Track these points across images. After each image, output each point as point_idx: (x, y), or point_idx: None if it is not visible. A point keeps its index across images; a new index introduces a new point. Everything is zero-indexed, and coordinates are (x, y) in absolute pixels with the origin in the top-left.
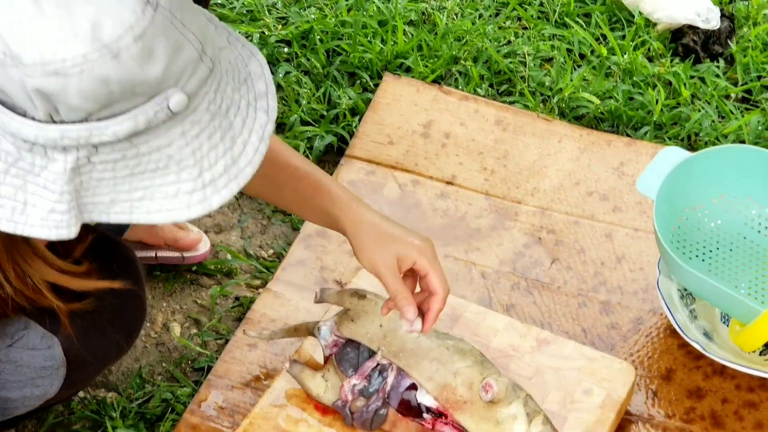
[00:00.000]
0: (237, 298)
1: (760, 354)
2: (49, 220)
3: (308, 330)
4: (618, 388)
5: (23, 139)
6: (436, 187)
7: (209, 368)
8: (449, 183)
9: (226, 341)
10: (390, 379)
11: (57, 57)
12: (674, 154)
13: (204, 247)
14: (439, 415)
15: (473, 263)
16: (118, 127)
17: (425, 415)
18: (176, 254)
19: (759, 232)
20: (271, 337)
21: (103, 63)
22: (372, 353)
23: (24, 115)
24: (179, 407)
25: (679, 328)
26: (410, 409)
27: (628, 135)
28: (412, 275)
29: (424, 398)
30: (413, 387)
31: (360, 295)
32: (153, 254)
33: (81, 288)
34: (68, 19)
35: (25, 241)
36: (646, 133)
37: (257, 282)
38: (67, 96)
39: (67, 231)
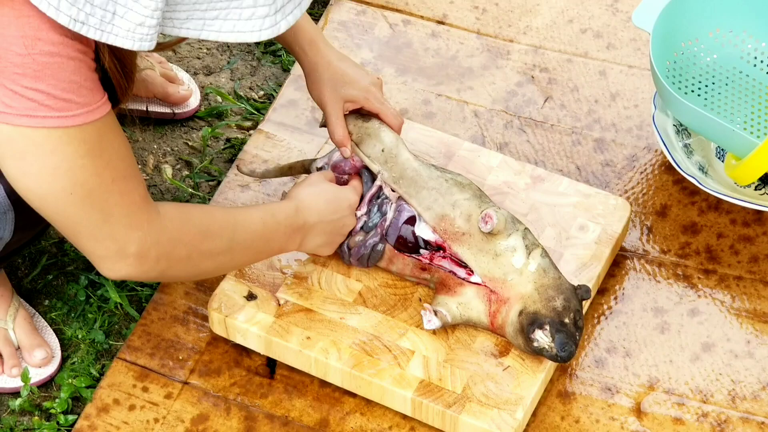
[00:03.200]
0: (228, 140)
1: (756, 188)
2: (135, 33)
3: (304, 167)
4: (613, 223)
5: None
6: (427, 27)
7: None
8: (440, 22)
9: (218, 183)
10: (389, 215)
11: None
12: None
13: (194, 101)
14: (437, 249)
15: (466, 102)
16: None
17: (422, 251)
18: (167, 109)
19: (755, 66)
20: (264, 176)
21: None
22: (373, 178)
23: None
24: None
25: (675, 163)
26: (407, 245)
27: None
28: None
29: (422, 231)
30: (411, 222)
31: (364, 117)
32: (144, 107)
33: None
34: None
35: None
36: None
37: (248, 124)
38: None
39: (150, 44)
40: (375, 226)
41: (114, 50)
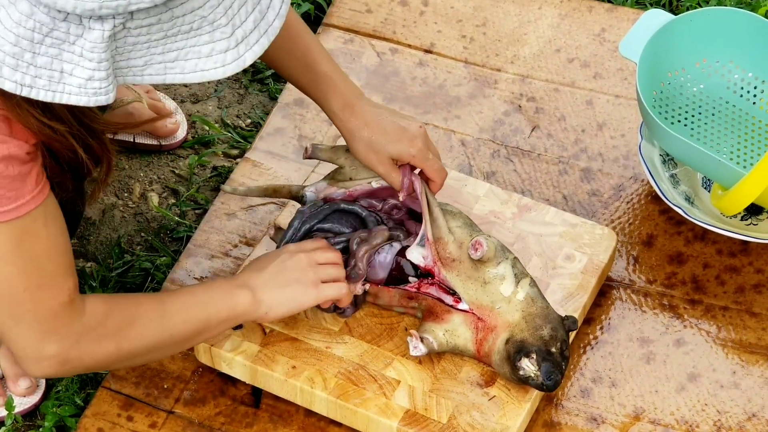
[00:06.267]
0: (215, 168)
1: (742, 219)
2: (87, 88)
3: (291, 193)
4: (599, 253)
5: (58, 10)
6: (415, 56)
7: (188, 238)
8: (428, 51)
9: (205, 211)
10: (388, 257)
11: None
12: (658, 17)
13: (182, 133)
14: (425, 275)
15: (453, 131)
16: None
17: (411, 279)
18: (154, 141)
19: (741, 96)
20: (247, 193)
21: None
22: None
23: None
24: (159, 276)
25: (662, 193)
26: (393, 278)
27: (609, 1)
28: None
29: (413, 255)
30: (399, 253)
31: None
32: (131, 139)
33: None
34: None
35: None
36: None
37: (235, 152)
38: None
39: (106, 97)
40: (357, 276)
41: (74, 113)
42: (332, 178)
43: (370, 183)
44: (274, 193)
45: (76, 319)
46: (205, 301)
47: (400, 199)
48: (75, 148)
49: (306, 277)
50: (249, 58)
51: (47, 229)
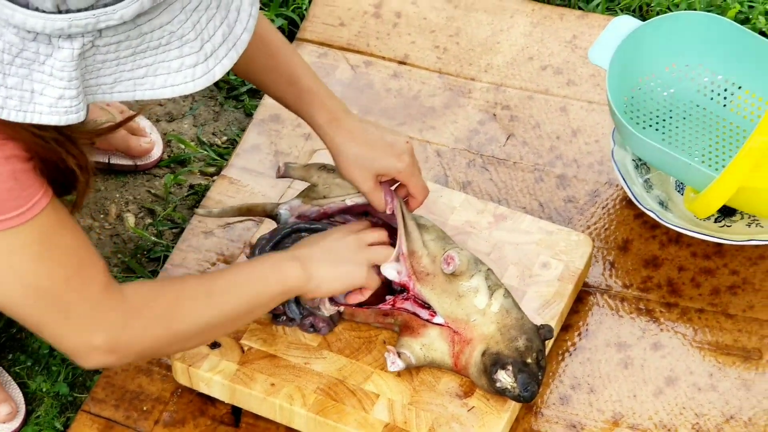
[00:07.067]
0: (191, 186)
1: (715, 221)
2: (58, 107)
3: (265, 211)
4: (575, 260)
5: (27, 30)
6: (389, 68)
7: (165, 257)
8: (402, 63)
9: (182, 230)
10: None
11: None
12: (626, 23)
13: (157, 152)
14: (400, 291)
15: (428, 142)
16: (125, 11)
17: (387, 297)
18: (129, 161)
19: (711, 99)
20: (221, 215)
21: None
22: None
23: (27, 6)
24: None
25: (635, 197)
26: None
27: (579, 8)
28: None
29: (387, 271)
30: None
31: (328, 168)
32: (106, 159)
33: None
34: None
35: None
36: (597, 5)
37: (211, 169)
38: None
39: (77, 116)
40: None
41: (58, 130)
42: (306, 195)
43: (344, 201)
44: (248, 212)
45: (119, 301)
46: (253, 275)
47: (387, 212)
48: (63, 156)
49: (357, 257)
50: (218, 71)
51: (64, 220)
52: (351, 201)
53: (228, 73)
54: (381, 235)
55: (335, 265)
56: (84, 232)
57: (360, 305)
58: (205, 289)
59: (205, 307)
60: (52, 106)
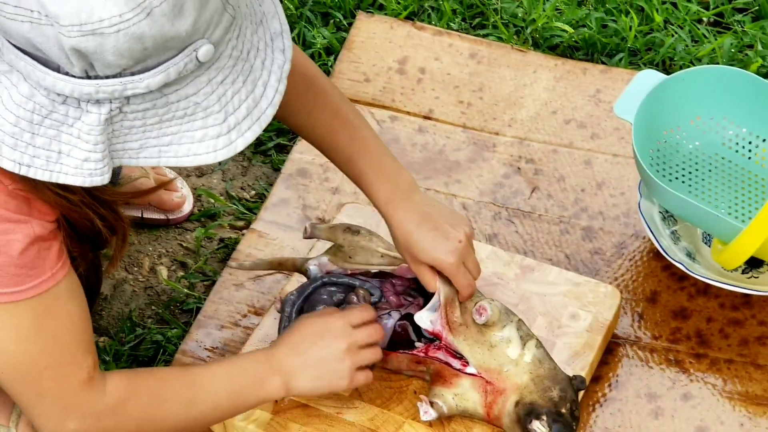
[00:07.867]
0: (222, 240)
1: (743, 272)
2: (83, 169)
3: (295, 266)
4: (604, 311)
5: (57, 93)
6: (414, 122)
7: (198, 309)
8: (427, 117)
9: (213, 282)
10: (389, 322)
11: (94, 17)
12: (651, 77)
13: (188, 206)
14: (432, 340)
15: (454, 195)
16: (151, 80)
17: (417, 344)
18: (161, 215)
19: (737, 151)
20: (253, 267)
21: (138, 22)
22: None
23: (57, 70)
24: (170, 348)
25: (663, 249)
26: (401, 341)
27: (603, 62)
28: None
29: (421, 320)
30: (405, 318)
31: (353, 230)
32: (139, 213)
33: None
34: None
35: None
36: (620, 60)
37: (241, 223)
38: (103, 54)
39: (101, 178)
40: None
41: (87, 192)
42: (333, 254)
43: (369, 269)
44: (279, 266)
45: (97, 398)
46: (235, 385)
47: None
48: (91, 218)
49: (342, 366)
50: (240, 144)
51: (68, 305)
52: (376, 269)
53: None
54: (372, 326)
55: (317, 379)
56: (88, 321)
57: (390, 348)
58: (186, 398)
59: (182, 414)
60: (78, 167)
